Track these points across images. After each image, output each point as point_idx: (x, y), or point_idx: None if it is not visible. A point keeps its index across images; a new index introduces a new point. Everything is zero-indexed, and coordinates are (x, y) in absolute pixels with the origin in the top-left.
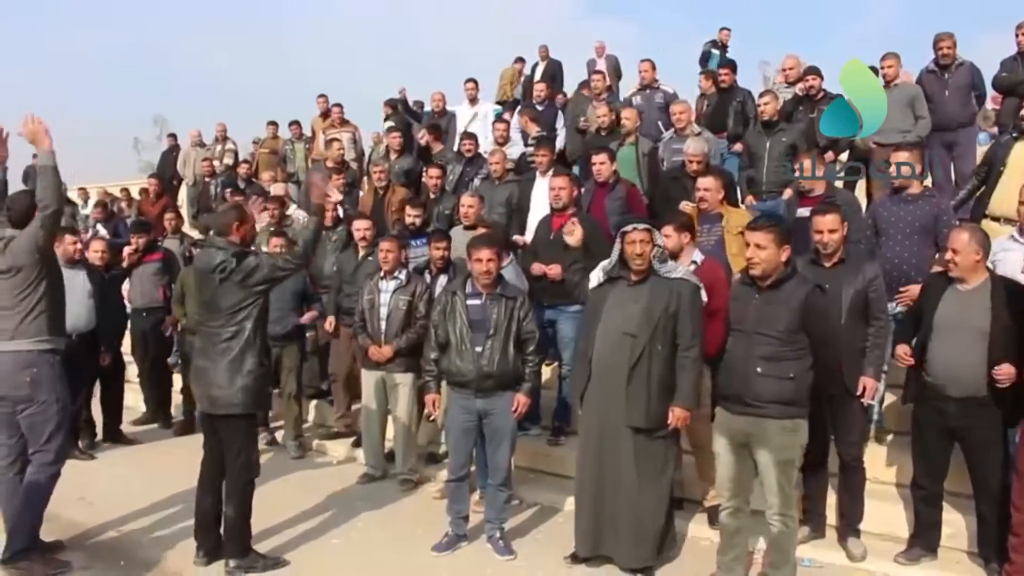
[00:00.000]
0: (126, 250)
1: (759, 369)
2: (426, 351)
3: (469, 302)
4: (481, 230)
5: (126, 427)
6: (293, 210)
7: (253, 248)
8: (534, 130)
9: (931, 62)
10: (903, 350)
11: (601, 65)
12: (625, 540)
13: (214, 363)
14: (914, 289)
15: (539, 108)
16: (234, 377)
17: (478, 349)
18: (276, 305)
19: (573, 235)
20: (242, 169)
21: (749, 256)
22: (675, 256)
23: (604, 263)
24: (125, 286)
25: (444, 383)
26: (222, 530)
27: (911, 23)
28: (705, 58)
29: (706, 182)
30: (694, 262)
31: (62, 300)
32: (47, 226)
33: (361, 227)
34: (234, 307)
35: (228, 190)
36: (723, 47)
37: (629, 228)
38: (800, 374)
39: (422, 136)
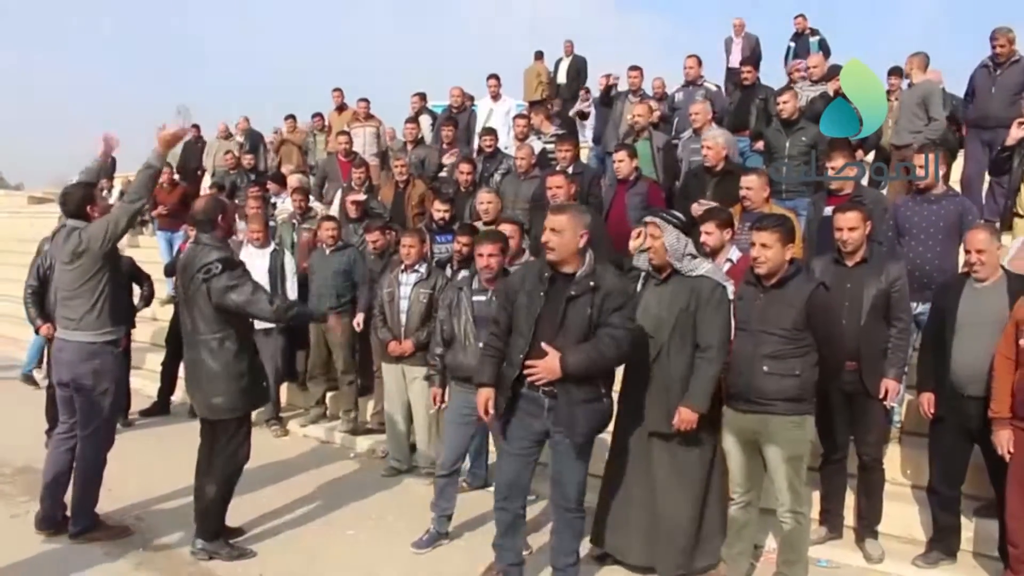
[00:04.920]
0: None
1: (765, 368)
2: (432, 346)
3: (475, 298)
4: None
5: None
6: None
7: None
8: (550, 129)
9: (988, 56)
10: (927, 399)
11: (737, 45)
12: (660, 547)
13: (206, 369)
14: None
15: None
16: (229, 383)
17: (482, 345)
18: (317, 283)
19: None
20: (245, 160)
21: (755, 255)
22: (716, 253)
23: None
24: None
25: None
26: (196, 509)
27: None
28: (787, 56)
29: (750, 180)
30: (730, 260)
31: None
32: (128, 217)
33: (370, 239)
34: (212, 313)
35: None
36: (798, 35)
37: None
38: (805, 371)
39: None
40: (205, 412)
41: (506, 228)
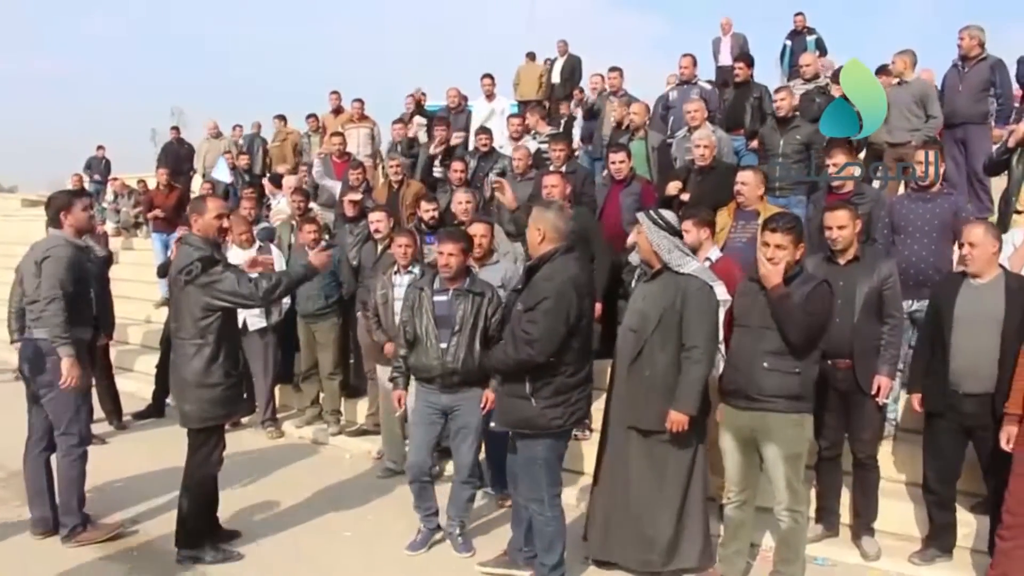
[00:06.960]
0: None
1: (765, 364)
2: (396, 348)
3: (436, 298)
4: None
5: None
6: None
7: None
8: (545, 129)
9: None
10: (917, 398)
11: (726, 44)
12: (631, 544)
13: (179, 374)
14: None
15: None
16: (200, 391)
17: (443, 346)
18: (304, 286)
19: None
20: (241, 161)
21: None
22: (694, 252)
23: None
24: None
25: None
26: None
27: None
28: (783, 54)
29: (745, 176)
30: (708, 259)
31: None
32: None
33: (375, 219)
34: (198, 316)
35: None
36: (795, 33)
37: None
38: (806, 368)
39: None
40: (179, 419)
41: (478, 228)
